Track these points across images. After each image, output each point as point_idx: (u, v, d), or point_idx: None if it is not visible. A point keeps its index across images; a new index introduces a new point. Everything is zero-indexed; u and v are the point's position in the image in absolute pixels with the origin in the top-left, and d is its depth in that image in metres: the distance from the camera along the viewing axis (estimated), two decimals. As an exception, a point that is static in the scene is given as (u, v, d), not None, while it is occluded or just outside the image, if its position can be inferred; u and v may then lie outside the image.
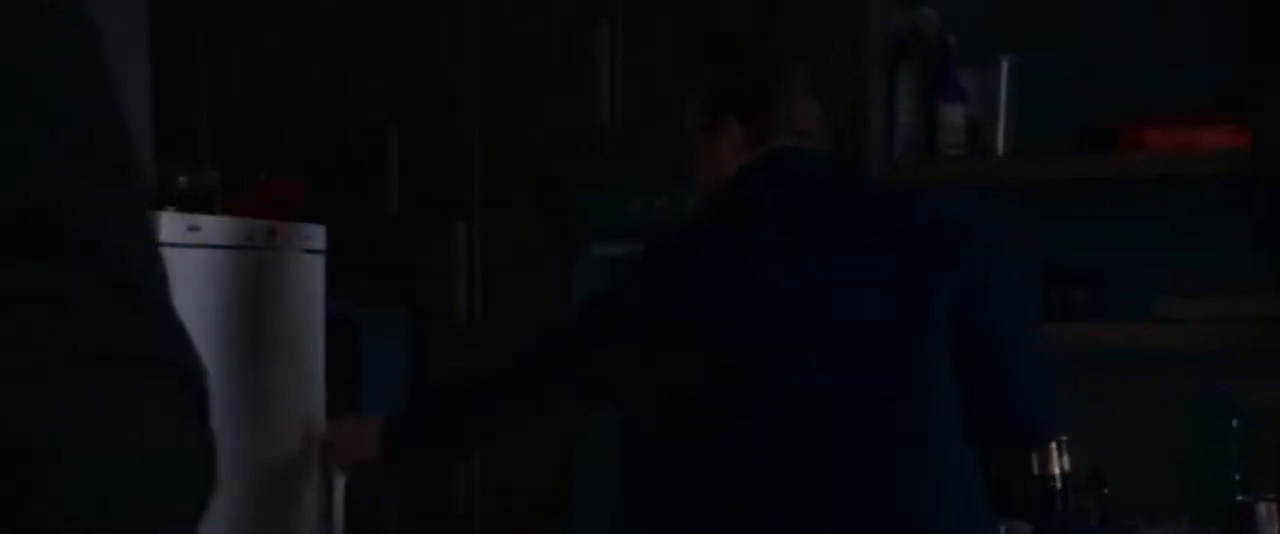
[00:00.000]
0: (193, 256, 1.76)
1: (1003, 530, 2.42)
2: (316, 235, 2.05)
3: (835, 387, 1.72)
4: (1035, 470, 2.49)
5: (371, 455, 1.96)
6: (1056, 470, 2.47)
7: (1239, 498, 2.41)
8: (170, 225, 1.73)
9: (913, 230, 1.81)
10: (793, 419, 1.72)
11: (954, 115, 2.55)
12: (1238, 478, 2.46)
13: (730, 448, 1.73)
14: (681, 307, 1.75)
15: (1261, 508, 2.37)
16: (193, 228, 1.75)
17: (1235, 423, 2.48)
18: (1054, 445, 2.47)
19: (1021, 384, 1.86)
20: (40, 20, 0.71)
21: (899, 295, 1.75)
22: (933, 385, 1.76)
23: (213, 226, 1.81)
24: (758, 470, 1.72)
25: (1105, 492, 2.48)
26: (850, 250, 1.76)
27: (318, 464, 2.02)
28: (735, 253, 1.76)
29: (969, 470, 1.83)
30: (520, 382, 1.92)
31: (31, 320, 0.66)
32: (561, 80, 2.60)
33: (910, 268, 1.76)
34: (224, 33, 2.77)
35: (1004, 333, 1.84)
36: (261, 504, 1.93)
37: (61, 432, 0.65)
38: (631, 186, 2.54)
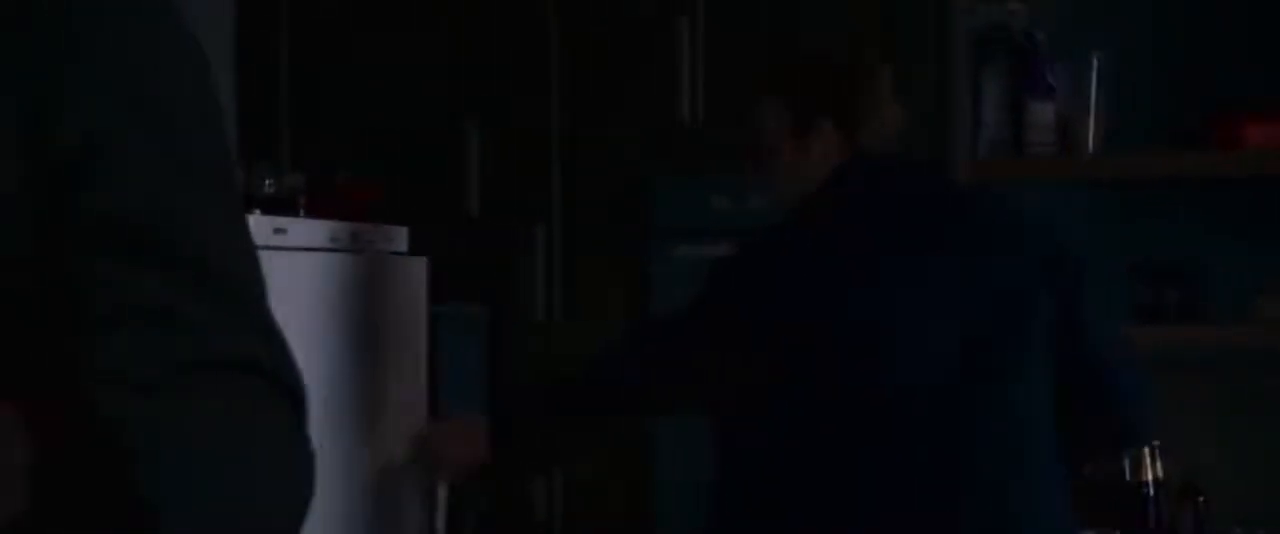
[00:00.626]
0: (280, 258, 1.76)
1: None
2: (399, 237, 2.05)
3: (942, 389, 1.70)
4: (1127, 476, 2.44)
5: (480, 459, 1.91)
6: (1149, 477, 2.42)
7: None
8: (257, 228, 1.74)
9: (1008, 233, 1.79)
10: (902, 422, 1.70)
11: (1043, 112, 2.50)
12: (1341, 486, 2.39)
13: (840, 453, 1.71)
14: (794, 308, 1.73)
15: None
16: (279, 230, 1.76)
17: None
18: (1147, 451, 2.42)
19: (1119, 386, 1.82)
20: (143, 29, 0.71)
21: (1000, 298, 1.73)
22: (1033, 388, 1.74)
23: (298, 229, 1.82)
24: (862, 475, 1.70)
25: (1201, 499, 2.42)
26: (951, 253, 1.74)
27: (422, 467, 1.97)
28: (845, 254, 1.74)
29: (1063, 474, 1.80)
30: (628, 381, 1.88)
31: (147, 331, 0.67)
32: (642, 79, 2.58)
33: (1011, 270, 1.75)
34: (306, 35, 2.78)
35: (1100, 334, 1.82)
36: (366, 509, 1.92)
37: (167, 439, 0.65)
38: (712, 186, 2.51)
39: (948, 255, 1.74)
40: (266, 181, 1.93)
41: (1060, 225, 2.51)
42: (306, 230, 1.84)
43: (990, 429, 1.72)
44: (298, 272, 1.81)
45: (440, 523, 1.97)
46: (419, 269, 1.99)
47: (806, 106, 1.79)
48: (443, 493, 1.97)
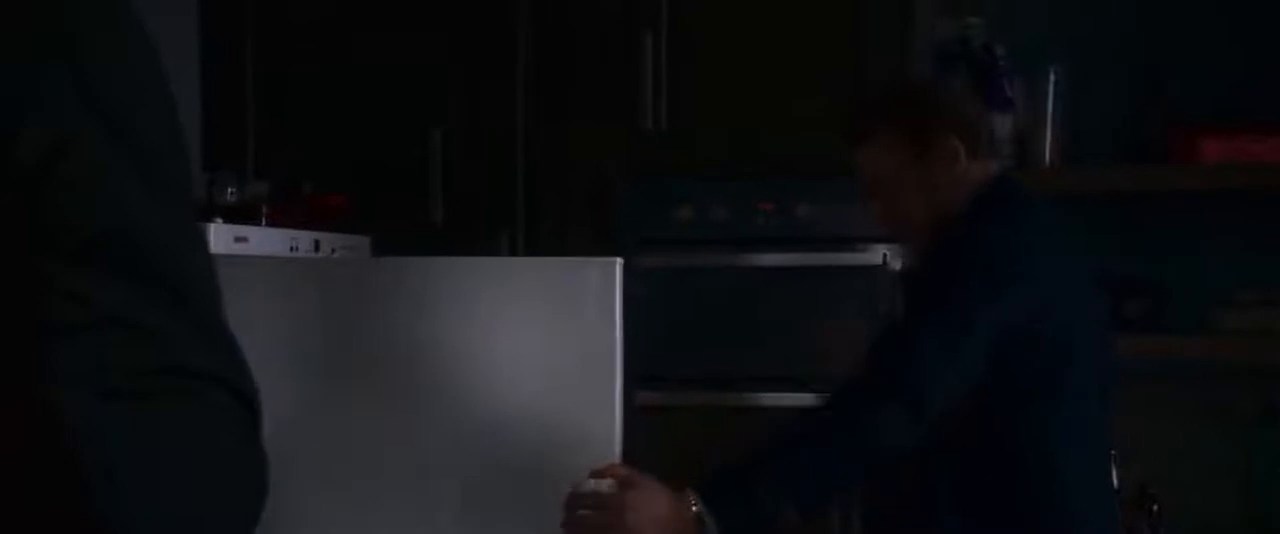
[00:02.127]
0: (240, 266, 1.75)
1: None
2: (361, 246, 2.05)
3: (1101, 388, 1.74)
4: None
5: None
6: (1105, 485, 2.45)
7: (1295, 515, 2.36)
8: (217, 237, 1.73)
9: (1082, 250, 1.81)
10: (1090, 421, 1.74)
11: (1001, 125, 2.52)
12: (1294, 494, 2.42)
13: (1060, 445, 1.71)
14: (1045, 304, 1.67)
15: (1318, 525, 2.33)
16: (240, 239, 1.76)
17: (1291, 438, 2.44)
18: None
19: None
20: (111, 37, 0.72)
21: (1100, 299, 1.78)
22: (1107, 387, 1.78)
23: (260, 237, 1.82)
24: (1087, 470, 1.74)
25: (1156, 508, 2.44)
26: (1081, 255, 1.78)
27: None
28: (1043, 253, 1.71)
29: None
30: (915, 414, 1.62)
31: (110, 338, 0.67)
32: (607, 88, 2.60)
33: (1090, 276, 1.78)
34: (271, 43, 2.78)
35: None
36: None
37: (124, 447, 0.66)
38: (677, 194, 2.53)
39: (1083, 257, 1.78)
40: (229, 190, 1.92)
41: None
42: (267, 239, 1.84)
43: (1107, 426, 1.78)
44: (257, 280, 1.79)
45: None
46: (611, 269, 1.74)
47: (924, 130, 1.75)
48: None
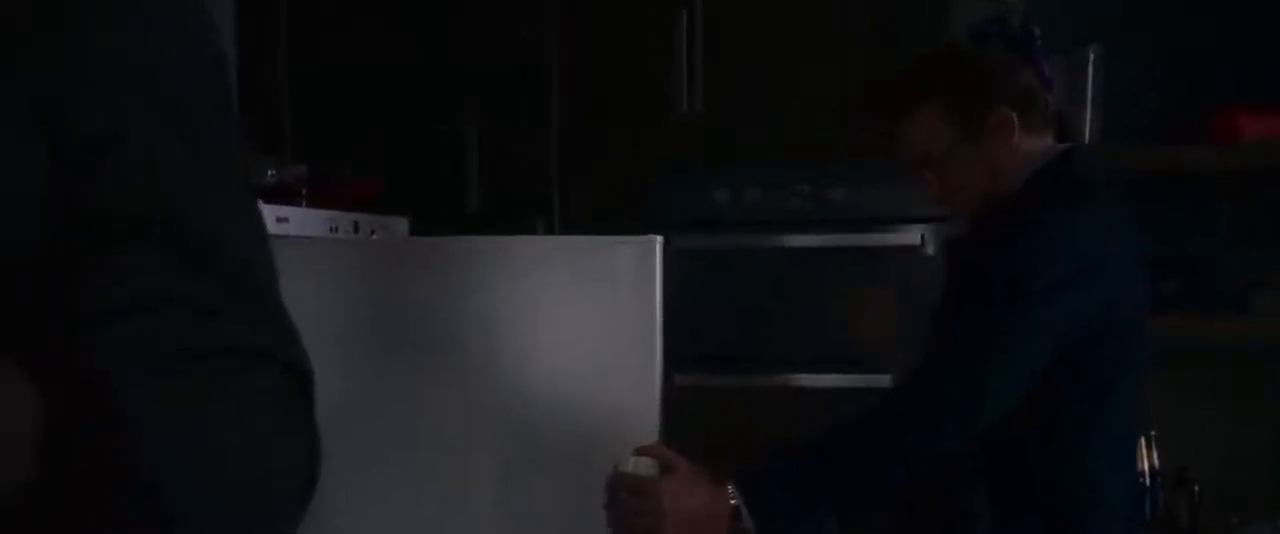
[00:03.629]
0: (280, 246, 1.77)
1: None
2: (399, 226, 2.06)
3: (1141, 379, 1.67)
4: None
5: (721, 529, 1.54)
6: (1145, 466, 2.43)
7: (1337, 497, 2.34)
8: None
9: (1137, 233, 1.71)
10: (1130, 427, 1.70)
11: (1039, 106, 2.51)
12: (1335, 476, 2.40)
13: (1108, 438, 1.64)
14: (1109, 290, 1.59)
15: (1361, 507, 2.31)
16: (282, 219, 1.77)
17: (1333, 419, 2.42)
18: (1143, 442, 2.43)
19: None
20: (165, 20, 0.72)
21: (1147, 289, 1.70)
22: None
23: (300, 218, 1.83)
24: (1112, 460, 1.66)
25: (1196, 489, 2.43)
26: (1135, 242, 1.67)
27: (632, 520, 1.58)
28: (1109, 244, 1.61)
29: None
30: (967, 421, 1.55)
31: (165, 317, 0.68)
32: (641, 73, 2.60)
33: (1141, 264, 1.69)
34: (307, 29, 2.79)
35: None
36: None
37: (172, 423, 0.66)
38: (712, 178, 2.53)
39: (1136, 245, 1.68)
40: (269, 173, 1.94)
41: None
42: (308, 220, 1.85)
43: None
44: (301, 258, 1.81)
45: None
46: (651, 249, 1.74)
47: (974, 96, 1.66)
48: None
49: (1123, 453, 1.68)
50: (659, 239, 1.72)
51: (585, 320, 1.69)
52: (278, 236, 1.75)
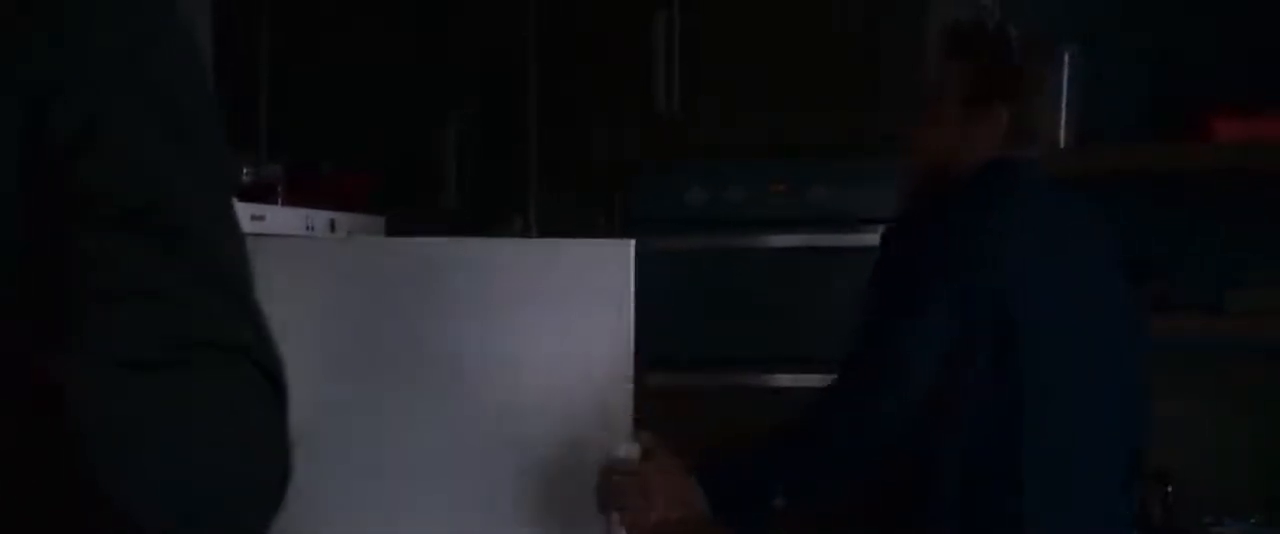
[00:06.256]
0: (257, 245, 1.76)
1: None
2: (376, 226, 2.05)
3: (1120, 387, 1.73)
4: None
5: (697, 515, 1.65)
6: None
7: (1309, 495, 2.36)
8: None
9: (1101, 237, 1.79)
10: (1073, 420, 1.71)
11: (1015, 106, 2.52)
12: (1308, 475, 2.42)
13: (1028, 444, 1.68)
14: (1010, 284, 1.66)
15: (1332, 506, 2.33)
16: (257, 217, 1.77)
17: (1306, 419, 2.44)
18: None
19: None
20: (146, 16, 0.72)
21: (1128, 302, 1.77)
22: (1132, 379, 1.78)
23: (276, 216, 1.82)
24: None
25: (1169, 489, 2.45)
26: (1093, 271, 1.74)
27: (613, 505, 1.69)
28: (1017, 244, 1.68)
29: None
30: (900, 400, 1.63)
31: (140, 309, 0.67)
32: (619, 72, 2.60)
33: (1109, 271, 1.76)
34: (284, 26, 2.79)
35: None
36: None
37: (142, 418, 0.66)
38: (690, 177, 2.53)
39: (1093, 261, 1.73)
40: (243, 170, 1.93)
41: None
42: (284, 218, 1.85)
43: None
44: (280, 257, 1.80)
45: None
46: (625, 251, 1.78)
47: (984, 88, 1.72)
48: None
49: (1054, 450, 1.68)
50: (632, 242, 1.76)
51: (559, 321, 1.73)
52: (253, 236, 1.74)
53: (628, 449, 1.67)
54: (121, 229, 0.68)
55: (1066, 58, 2.52)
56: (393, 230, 2.20)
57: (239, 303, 0.71)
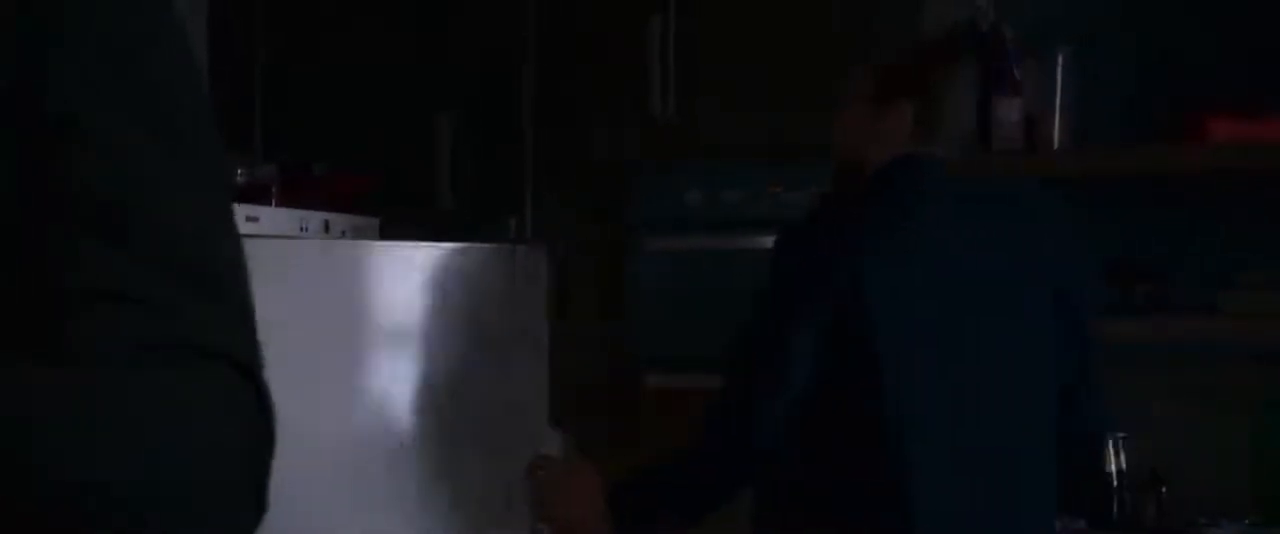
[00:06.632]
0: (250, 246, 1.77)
1: (1059, 525, 2.39)
2: (370, 227, 2.06)
3: (966, 386, 1.71)
4: (1094, 468, 2.48)
5: (594, 527, 1.74)
6: (1113, 467, 2.45)
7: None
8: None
9: (1031, 236, 1.78)
10: (932, 414, 1.70)
11: (1009, 109, 2.52)
12: (1302, 477, 2.42)
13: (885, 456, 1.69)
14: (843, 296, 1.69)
15: (1326, 507, 2.33)
16: (251, 219, 1.77)
17: (1300, 421, 2.44)
18: (1112, 442, 2.45)
19: (1093, 383, 1.84)
20: (138, 17, 0.71)
21: (1035, 309, 1.74)
22: (1040, 389, 1.76)
23: (270, 217, 1.82)
24: (906, 481, 1.68)
25: (1163, 490, 2.45)
26: (993, 261, 1.74)
27: (530, 505, 1.81)
28: (857, 258, 1.70)
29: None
30: (766, 419, 1.69)
31: (113, 312, 0.66)
32: (615, 73, 2.60)
33: (1030, 274, 1.75)
34: (279, 27, 2.79)
35: (1093, 337, 1.83)
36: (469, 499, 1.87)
37: (112, 425, 0.65)
38: (686, 179, 2.53)
39: (991, 262, 1.73)
40: (238, 172, 1.93)
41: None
42: (278, 219, 1.85)
43: (1015, 425, 1.74)
44: (271, 259, 1.81)
45: None
46: (539, 265, 1.94)
47: (889, 85, 1.75)
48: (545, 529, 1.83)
49: (925, 465, 1.68)
50: (545, 246, 1.94)
51: (475, 324, 1.84)
52: (246, 236, 1.74)
53: (551, 445, 1.83)
54: (96, 227, 0.67)
55: (1060, 60, 2.52)
56: (387, 232, 2.20)
57: (226, 307, 0.70)
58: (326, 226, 1.95)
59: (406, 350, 1.80)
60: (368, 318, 1.82)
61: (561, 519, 1.78)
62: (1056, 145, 2.53)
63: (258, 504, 0.70)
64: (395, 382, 1.81)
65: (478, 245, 1.89)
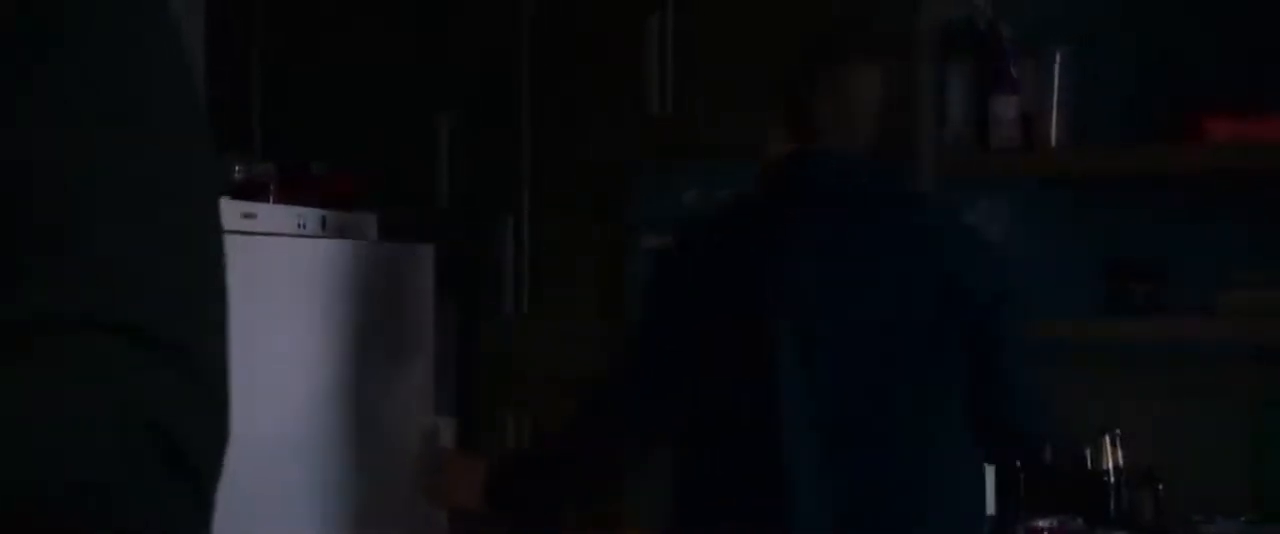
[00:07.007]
0: (247, 244, 1.77)
1: (1057, 523, 2.40)
2: (369, 224, 2.06)
3: (834, 386, 1.75)
4: (1089, 464, 2.48)
5: (474, 507, 1.93)
6: (1110, 465, 2.45)
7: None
8: (225, 213, 1.75)
9: (920, 235, 1.81)
10: (795, 416, 1.74)
11: (1006, 107, 2.52)
12: (1300, 475, 2.42)
13: (739, 445, 1.77)
14: (706, 303, 1.80)
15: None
16: (248, 215, 1.77)
17: (1297, 419, 2.44)
18: (1108, 439, 2.45)
19: (1015, 387, 1.82)
20: (142, 10, 0.70)
21: (917, 308, 1.76)
22: (930, 385, 1.76)
23: (267, 214, 1.82)
24: (766, 466, 1.75)
25: (1160, 487, 2.45)
26: (853, 259, 1.78)
27: (425, 491, 2.01)
28: (753, 249, 1.79)
29: (975, 475, 1.85)
30: (615, 411, 1.86)
31: None
32: (613, 71, 2.60)
33: (915, 272, 1.77)
34: (277, 25, 2.79)
35: (1003, 334, 1.81)
36: (364, 495, 1.97)
37: None
38: (683, 177, 2.53)
39: (849, 262, 1.77)
40: (236, 168, 1.93)
41: (1021, 217, 2.55)
42: (275, 216, 1.85)
43: (887, 426, 1.76)
44: (274, 257, 1.82)
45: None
46: (426, 260, 2.04)
47: (770, 98, 1.88)
48: (443, 517, 2.05)
49: (729, 451, 1.77)
50: (432, 246, 2.07)
51: (368, 318, 1.94)
52: (245, 233, 1.75)
53: (439, 436, 2.00)
54: (11, 207, 0.63)
55: (1058, 59, 2.52)
56: (385, 229, 2.20)
57: (110, 269, 0.64)
58: (324, 224, 1.95)
59: (291, 346, 1.84)
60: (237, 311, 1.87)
61: (450, 505, 1.98)
62: (1054, 144, 2.53)
63: (188, 475, 0.64)
64: (280, 378, 1.84)
65: (362, 242, 1.95)
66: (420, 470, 1.99)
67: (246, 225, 1.77)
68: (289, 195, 2.01)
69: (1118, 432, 2.45)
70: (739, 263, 1.77)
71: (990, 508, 2.44)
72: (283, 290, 1.85)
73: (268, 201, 1.91)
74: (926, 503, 1.76)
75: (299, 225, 1.89)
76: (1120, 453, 2.46)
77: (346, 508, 1.97)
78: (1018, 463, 2.38)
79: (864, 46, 1.90)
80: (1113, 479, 2.45)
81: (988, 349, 1.78)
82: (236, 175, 1.93)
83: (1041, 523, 2.39)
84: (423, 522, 2.04)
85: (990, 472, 2.33)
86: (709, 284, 1.78)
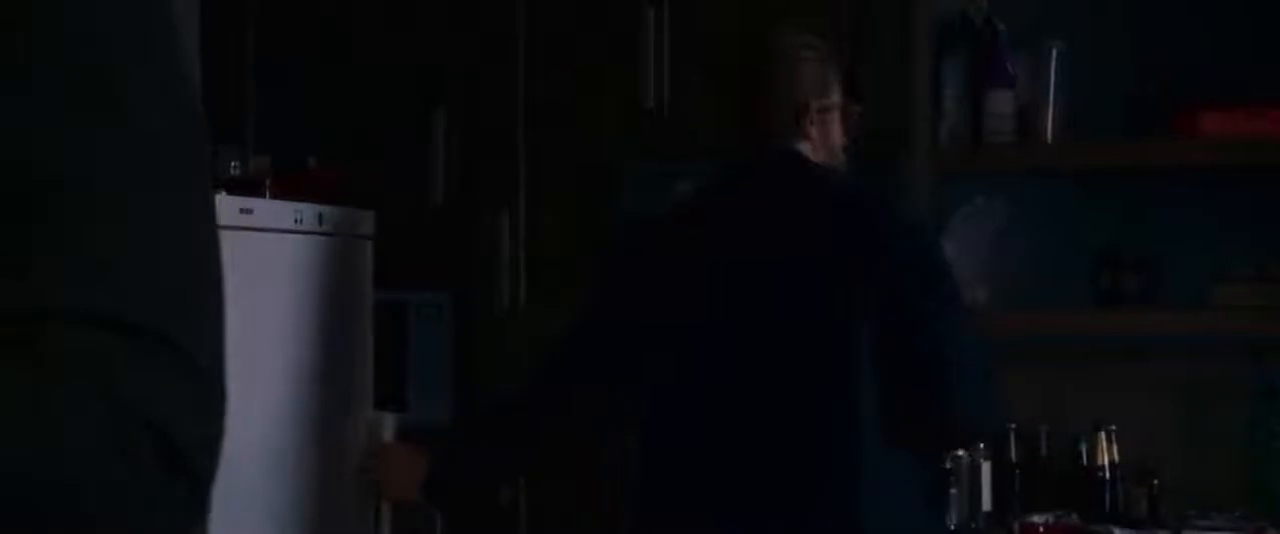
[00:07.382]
0: (245, 239, 1.77)
1: (1052, 518, 2.40)
2: (365, 220, 2.06)
3: (753, 385, 1.79)
4: (1084, 460, 2.48)
5: (414, 498, 2.02)
6: (1105, 460, 2.46)
7: (1294, 489, 2.37)
8: (222, 208, 1.75)
9: (841, 229, 1.83)
10: (713, 414, 1.82)
11: (1001, 101, 2.53)
12: (1293, 469, 2.43)
13: (666, 441, 1.86)
14: (627, 305, 1.92)
15: (1317, 499, 2.34)
16: (245, 211, 1.77)
17: (1291, 413, 2.45)
18: (1104, 435, 2.46)
19: (946, 382, 1.79)
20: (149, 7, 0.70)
21: (818, 295, 1.79)
22: (854, 383, 1.76)
23: (264, 210, 1.83)
24: (686, 464, 1.83)
25: (1155, 482, 2.46)
26: (776, 252, 1.82)
27: (368, 484, 2.07)
28: (664, 253, 1.91)
29: (904, 466, 1.82)
30: (547, 398, 1.97)
31: None
32: (608, 66, 2.60)
33: (832, 268, 1.79)
34: (272, 20, 2.78)
35: (933, 328, 1.79)
36: (309, 497, 2.00)
37: None
38: (679, 173, 2.53)
39: (773, 255, 1.82)
40: (232, 164, 1.93)
41: (1016, 212, 2.56)
42: (272, 211, 1.85)
43: (809, 425, 1.78)
44: (262, 252, 1.83)
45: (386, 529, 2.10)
46: (366, 253, 2.07)
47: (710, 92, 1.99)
48: (387, 509, 2.10)
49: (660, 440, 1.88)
50: (370, 241, 2.09)
51: (306, 307, 1.97)
52: (240, 229, 1.76)
53: (381, 429, 2.05)
54: (2, 202, 0.62)
55: (1054, 53, 2.53)
56: (382, 225, 2.20)
57: (96, 258, 0.63)
58: (320, 219, 1.95)
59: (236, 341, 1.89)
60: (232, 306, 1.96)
61: (395, 497, 2.06)
62: (1049, 138, 2.53)
63: (185, 474, 0.63)
64: (270, 374, 1.90)
65: (301, 236, 1.97)
66: (360, 465, 2.05)
67: (243, 220, 1.77)
68: (285, 190, 2.01)
69: (1112, 427, 2.46)
70: (661, 261, 1.89)
71: (986, 504, 2.45)
72: (280, 286, 1.86)
73: (264, 197, 1.91)
74: (848, 490, 1.76)
75: (296, 220, 1.89)
76: (1115, 448, 2.46)
77: (311, 504, 2.02)
78: (956, 452, 2.35)
79: (789, 44, 1.89)
80: (1107, 474, 2.45)
81: (897, 324, 1.77)
82: (233, 171, 1.93)
83: (1036, 519, 2.39)
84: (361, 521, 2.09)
85: (987, 470, 2.33)
86: (635, 281, 1.91)
